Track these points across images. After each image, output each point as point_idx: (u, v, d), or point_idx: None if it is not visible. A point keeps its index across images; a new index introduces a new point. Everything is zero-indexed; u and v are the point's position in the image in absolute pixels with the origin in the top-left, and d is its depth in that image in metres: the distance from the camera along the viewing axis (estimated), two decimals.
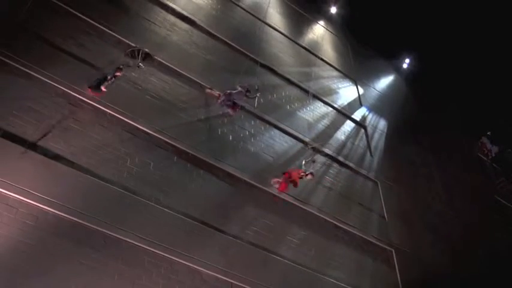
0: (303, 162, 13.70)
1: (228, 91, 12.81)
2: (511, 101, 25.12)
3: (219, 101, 12.83)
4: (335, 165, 16.11)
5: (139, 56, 12.56)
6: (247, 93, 13.08)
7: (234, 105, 12.92)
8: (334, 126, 17.96)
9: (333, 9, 24.66)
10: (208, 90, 13.39)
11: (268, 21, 19.81)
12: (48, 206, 8.68)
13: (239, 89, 12.95)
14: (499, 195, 22.21)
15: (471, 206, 19.75)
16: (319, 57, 20.99)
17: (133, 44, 12.77)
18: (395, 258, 14.52)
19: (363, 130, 19.43)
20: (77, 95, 10.66)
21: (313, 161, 14.16)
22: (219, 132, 13.31)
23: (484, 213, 20.06)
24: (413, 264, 14.64)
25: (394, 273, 14.18)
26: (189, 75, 13.70)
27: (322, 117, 17.79)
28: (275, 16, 20.68)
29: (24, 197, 8.52)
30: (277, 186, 12.50)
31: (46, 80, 10.39)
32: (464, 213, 18.86)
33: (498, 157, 24.59)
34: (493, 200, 21.73)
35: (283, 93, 16.84)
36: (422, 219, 16.89)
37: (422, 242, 16.00)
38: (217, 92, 13.00)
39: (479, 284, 16.00)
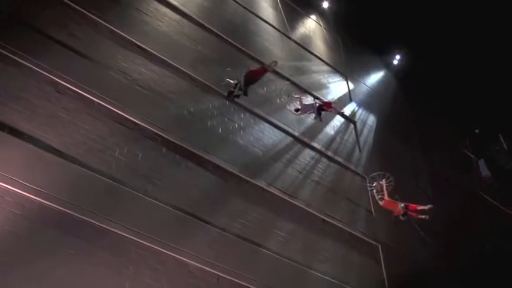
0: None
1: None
2: (500, 98, 25.31)
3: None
4: (324, 159, 16.17)
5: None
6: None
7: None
8: (324, 120, 17.94)
9: (325, 4, 24.65)
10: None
11: (260, 14, 19.75)
12: (35, 195, 8.59)
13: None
14: (484, 191, 22.42)
15: (457, 202, 19.92)
16: (310, 52, 21.01)
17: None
18: (381, 253, 14.62)
19: (352, 125, 19.50)
20: (66, 84, 10.56)
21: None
22: (208, 125, 13.27)
23: (469, 209, 20.23)
24: (399, 259, 14.76)
25: (380, 268, 14.29)
26: (179, 66, 13.64)
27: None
28: (267, 9, 20.63)
29: (11, 186, 8.42)
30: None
31: (35, 68, 10.26)
32: (450, 209, 19.00)
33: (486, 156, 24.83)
34: (478, 196, 21.94)
35: (273, 87, 16.81)
36: (408, 215, 16.98)
37: (408, 238, 16.12)
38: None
39: (464, 279, 16.17)
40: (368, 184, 14.97)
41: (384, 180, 14.68)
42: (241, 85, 12.78)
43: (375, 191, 14.55)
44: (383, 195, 14.14)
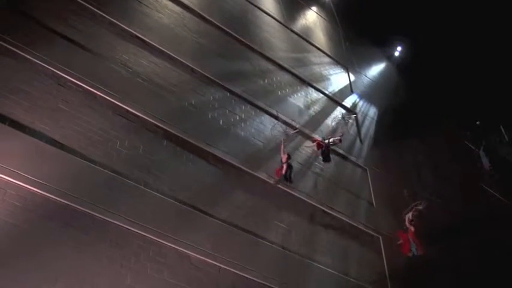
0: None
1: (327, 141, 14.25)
2: (500, 90, 25.26)
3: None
4: None
5: None
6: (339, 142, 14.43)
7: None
8: (325, 112, 17.96)
9: None
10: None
11: (260, 5, 19.69)
12: (37, 188, 8.63)
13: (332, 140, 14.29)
14: (485, 183, 22.40)
15: (457, 194, 19.91)
16: (311, 43, 20.98)
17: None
18: (382, 245, 14.65)
19: (353, 117, 19.46)
20: (67, 76, 10.57)
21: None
22: (209, 117, 13.27)
23: (469, 202, 20.23)
24: (399, 251, 14.76)
25: (381, 259, 14.32)
26: (180, 59, 13.63)
27: (313, 103, 17.80)
28: (268, 0, 20.56)
29: (13, 179, 8.46)
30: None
31: (35, 60, 10.27)
32: (451, 201, 19.02)
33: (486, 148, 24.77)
34: (479, 188, 21.92)
35: (274, 79, 16.80)
36: (409, 206, 16.98)
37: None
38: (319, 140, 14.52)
39: (464, 271, 16.19)
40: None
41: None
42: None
43: (410, 214, 14.57)
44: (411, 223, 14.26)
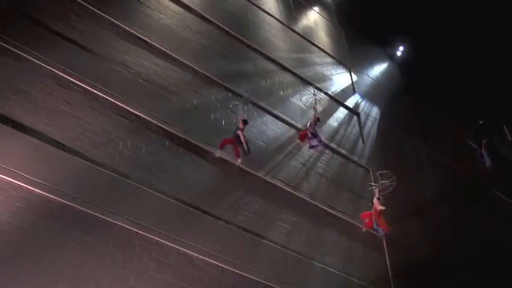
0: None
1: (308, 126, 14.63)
2: (503, 89, 25.21)
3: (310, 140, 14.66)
4: (327, 151, 16.15)
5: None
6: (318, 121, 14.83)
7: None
8: (327, 113, 17.95)
9: None
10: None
11: (262, 6, 19.68)
12: (39, 189, 8.62)
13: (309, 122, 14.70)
14: (487, 182, 22.34)
15: (459, 194, 19.88)
16: (313, 43, 20.95)
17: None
18: (385, 245, 14.61)
19: (355, 117, 19.47)
20: (68, 77, 10.57)
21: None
22: (212, 117, 13.26)
23: (472, 201, 20.19)
24: (402, 251, 14.75)
25: (384, 259, 14.28)
26: (182, 59, 13.62)
27: (315, 103, 17.74)
28: (269, 1, 20.55)
29: (15, 179, 8.45)
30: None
31: (36, 61, 10.28)
32: (453, 201, 18.99)
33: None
34: (480, 187, 21.87)
35: (276, 79, 16.79)
36: (412, 206, 16.96)
37: (411, 229, 16.10)
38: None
39: (467, 270, 16.15)
40: (374, 183, 14.73)
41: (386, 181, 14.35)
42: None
43: (375, 188, 14.28)
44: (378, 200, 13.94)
